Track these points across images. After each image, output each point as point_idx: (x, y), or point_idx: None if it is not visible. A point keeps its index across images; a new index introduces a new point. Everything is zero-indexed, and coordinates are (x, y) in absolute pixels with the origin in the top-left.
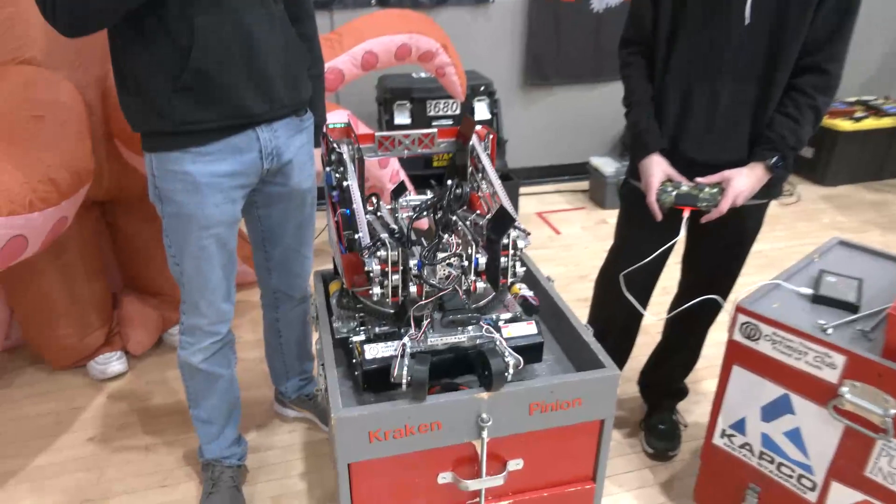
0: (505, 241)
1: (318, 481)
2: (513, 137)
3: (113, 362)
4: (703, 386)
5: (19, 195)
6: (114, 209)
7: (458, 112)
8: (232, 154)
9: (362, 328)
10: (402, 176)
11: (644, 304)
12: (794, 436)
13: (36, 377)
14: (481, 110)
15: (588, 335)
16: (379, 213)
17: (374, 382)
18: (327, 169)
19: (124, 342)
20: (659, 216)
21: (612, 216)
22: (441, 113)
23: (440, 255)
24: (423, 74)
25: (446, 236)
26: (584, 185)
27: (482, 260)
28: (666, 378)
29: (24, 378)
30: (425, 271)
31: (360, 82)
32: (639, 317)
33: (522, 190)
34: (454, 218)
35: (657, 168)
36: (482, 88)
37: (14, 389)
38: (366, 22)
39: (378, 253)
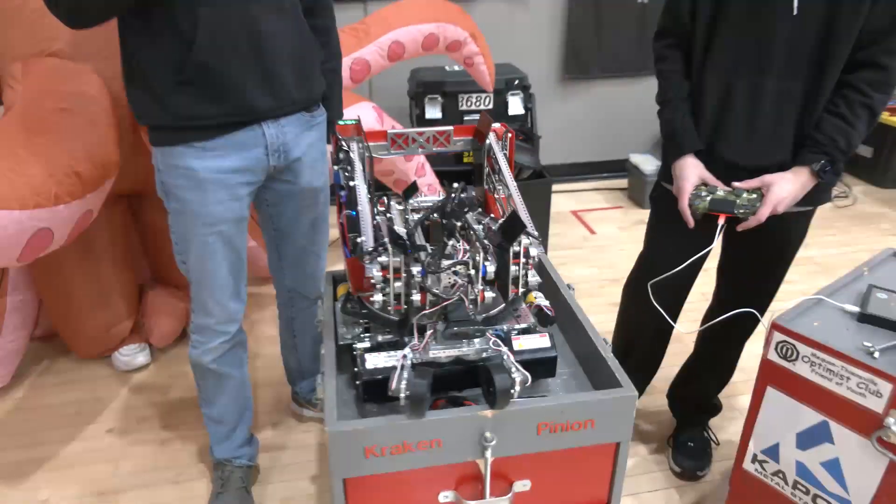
0: (516, 248)
1: (328, 486)
2: (548, 133)
3: (137, 354)
4: (739, 401)
5: (44, 188)
6: (141, 202)
7: (490, 107)
8: (236, 150)
9: (367, 335)
10: (428, 170)
11: (675, 313)
12: (833, 467)
13: (64, 366)
14: (515, 105)
15: (606, 351)
16: (389, 215)
17: (375, 393)
18: (335, 168)
19: (148, 334)
20: (691, 223)
21: None
22: (473, 107)
23: (445, 263)
24: (456, 67)
25: (452, 242)
26: (623, 183)
27: (490, 268)
28: (698, 392)
29: (53, 367)
30: (429, 279)
31: (393, 76)
32: (669, 327)
33: (558, 187)
34: (459, 223)
35: (691, 171)
36: (516, 82)
37: (44, 377)
38: (393, 11)
39: (379, 258)
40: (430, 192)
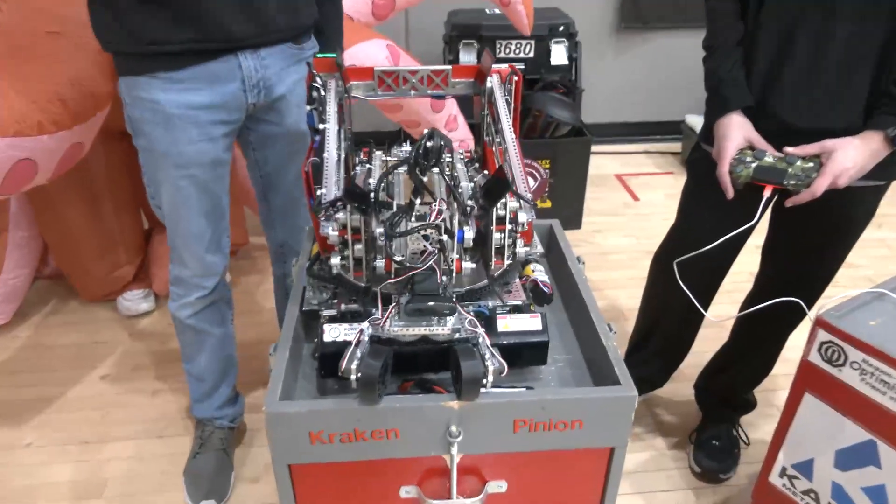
0: (501, 212)
1: None
2: (595, 88)
3: (140, 301)
4: (777, 397)
5: (27, 115)
6: None
7: (531, 55)
8: (208, 83)
9: (335, 301)
10: (461, 123)
11: (709, 296)
12: (877, 494)
13: (70, 308)
14: (558, 54)
15: (608, 338)
16: (369, 166)
17: (333, 368)
18: (308, 108)
19: (151, 281)
20: (730, 192)
21: None
22: (513, 55)
23: (412, 225)
24: (496, 11)
25: (418, 201)
26: (676, 146)
27: (468, 234)
28: (729, 386)
29: (60, 307)
30: (393, 244)
31: (432, 16)
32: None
33: (603, 148)
34: (424, 178)
35: (736, 131)
36: (561, 29)
37: (49, 318)
38: None
39: (337, 216)
40: (463, 148)
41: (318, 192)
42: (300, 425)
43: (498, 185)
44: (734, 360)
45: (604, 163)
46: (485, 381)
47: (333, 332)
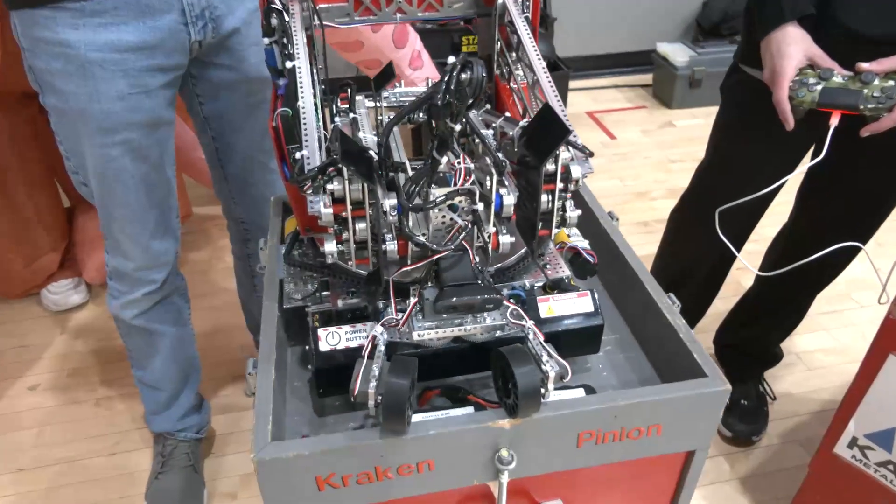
0: (551, 166)
1: None
2: (564, 17)
3: (70, 292)
4: (794, 343)
5: None
6: None
7: None
8: (136, 16)
9: (326, 293)
10: (426, 60)
11: (739, 245)
12: None
13: None
14: None
15: (675, 316)
16: (353, 116)
17: (334, 385)
18: (267, 42)
19: (80, 268)
20: (790, 122)
21: (679, 117)
22: None
23: (436, 192)
24: None
25: (445, 159)
26: (647, 78)
27: (508, 199)
28: (757, 340)
29: None
30: (410, 219)
31: None
32: (729, 262)
33: (573, 84)
34: (458, 127)
35: (795, 46)
36: None
37: None
38: None
39: (330, 186)
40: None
41: (297, 156)
42: (304, 471)
43: (551, 129)
44: (762, 311)
45: (576, 100)
46: (544, 391)
47: (331, 339)
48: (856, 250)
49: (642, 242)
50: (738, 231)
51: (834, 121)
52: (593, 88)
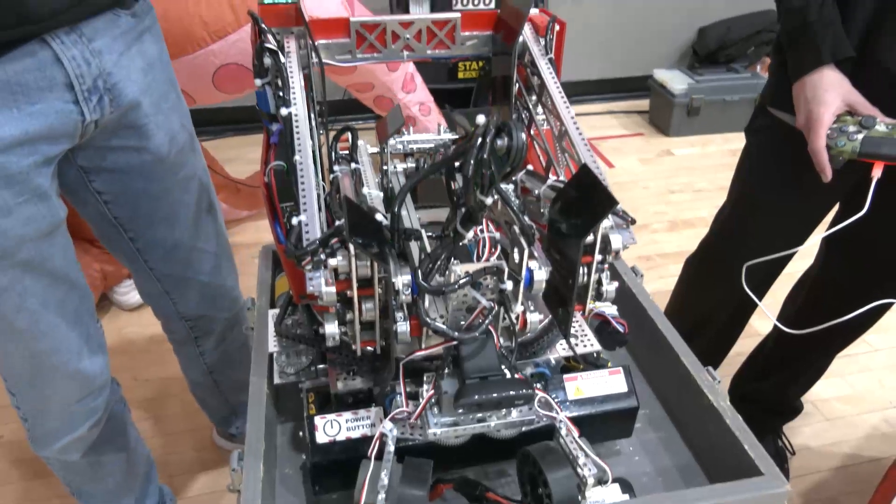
0: (589, 237)
1: None
2: None
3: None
4: (809, 390)
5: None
6: None
7: (491, 5)
8: (6, 101)
9: (322, 366)
10: (419, 83)
11: (761, 294)
12: None
13: None
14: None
15: (717, 395)
16: (355, 166)
17: (332, 481)
18: (259, 82)
19: None
20: (828, 173)
21: (677, 146)
22: (471, 6)
23: (457, 270)
24: None
25: (470, 235)
26: (644, 104)
27: (540, 275)
28: (775, 393)
29: None
30: (426, 301)
31: None
32: (749, 311)
33: None
34: (489, 200)
35: (833, 92)
36: None
37: None
38: None
39: (332, 260)
40: (423, 114)
41: (294, 222)
42: None
43: (592, 199)
44: (781, 363)
45: None
46: (581, 500)
47: (330, 429)
48: (887, 307)
49: (646, 280)
50: (760, 280)
51: (877, 172)
52: (588, 114)
